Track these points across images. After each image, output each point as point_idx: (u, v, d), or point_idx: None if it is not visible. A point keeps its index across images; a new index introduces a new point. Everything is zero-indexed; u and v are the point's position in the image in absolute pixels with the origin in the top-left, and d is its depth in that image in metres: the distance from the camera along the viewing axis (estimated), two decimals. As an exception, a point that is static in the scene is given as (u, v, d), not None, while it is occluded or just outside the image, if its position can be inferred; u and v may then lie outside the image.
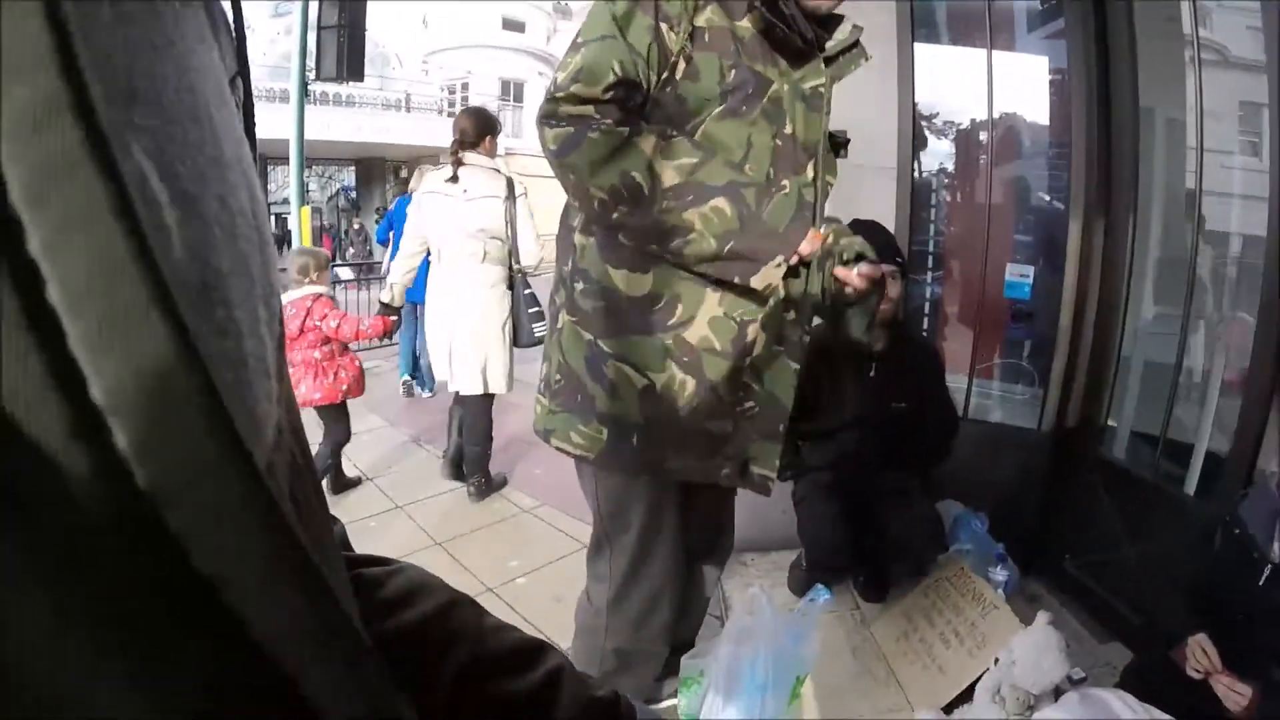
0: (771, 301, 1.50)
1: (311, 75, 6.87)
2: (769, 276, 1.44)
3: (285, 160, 8.38)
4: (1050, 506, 2.86)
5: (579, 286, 1.53)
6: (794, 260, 1.46)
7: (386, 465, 4.11)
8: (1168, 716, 1.63)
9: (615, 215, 1.40)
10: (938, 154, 3.17)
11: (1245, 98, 2.46)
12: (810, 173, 1.52)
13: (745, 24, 1.43)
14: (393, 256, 5.92)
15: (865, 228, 2.41)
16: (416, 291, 6.13)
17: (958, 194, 3.20)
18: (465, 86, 23.42)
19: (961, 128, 3.13)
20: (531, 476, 3.86)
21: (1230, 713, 1.58)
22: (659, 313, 1.48)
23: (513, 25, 23.49)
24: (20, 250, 0.14)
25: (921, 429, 2.65)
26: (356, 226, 18.49)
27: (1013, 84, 2.98)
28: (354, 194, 23.20)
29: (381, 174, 21.68)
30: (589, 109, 1.35)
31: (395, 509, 3.47)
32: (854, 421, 2.58)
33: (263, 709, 0.18)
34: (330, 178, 24.27)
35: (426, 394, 5.90)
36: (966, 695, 2.07)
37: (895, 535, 2.51)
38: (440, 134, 19.79)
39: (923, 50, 2.93)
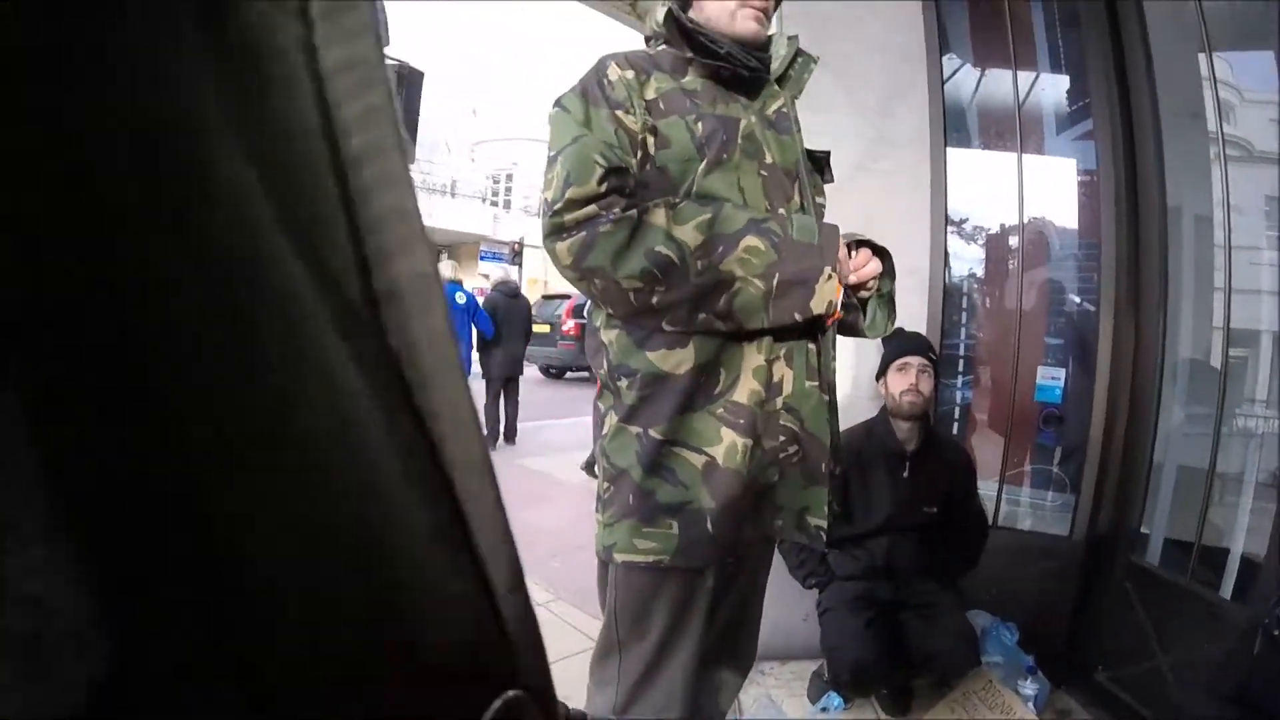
0: (825, 325, 1.46)
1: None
2: (825, 294, 1.37)
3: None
4: (1082, 616, 2.77)
5: (623, 384, 1.45)
6: (852, 279, 1.45)
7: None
8: None
9: (655, 299, 1.34)
10: (968, 259, 3.16)
11: (1270, 192, 2.47)
12: (798, 197, 1.49)
13: (690, 78, 1.44)
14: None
15: (898, 332, 2.41)
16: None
17: (988, 298, 3.19)
18: (509, 177, 24.19)
19: (992, 232, 3.13)
20: (549, 569, 3.80)
21: None
22: (706, 383, 1.41)
23: (559, 119, 24.33)
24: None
25: (951, 535, 2.58)
26: None
27: (1042, 186, 2.99)
28: None
29: None
30: (591, 208, 1.32)
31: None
32: (884, 526, 2.51)
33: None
34: (373, 260, 25.04)
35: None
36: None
37: (926, 649, 2.42)
38: (482, 223, 20.38)
39: (954, 155, 2.95)
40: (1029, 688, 2.36)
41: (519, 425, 7.33)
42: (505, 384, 7.10)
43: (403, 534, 0.23)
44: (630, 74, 1.40)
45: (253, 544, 0.20)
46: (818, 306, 1.37)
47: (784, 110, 1.50)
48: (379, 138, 0.22)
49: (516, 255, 19.54)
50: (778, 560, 2.49)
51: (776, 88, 1.51)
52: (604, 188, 1.32)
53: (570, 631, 3.08)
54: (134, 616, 0.18)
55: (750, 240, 1.35)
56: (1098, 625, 2.71)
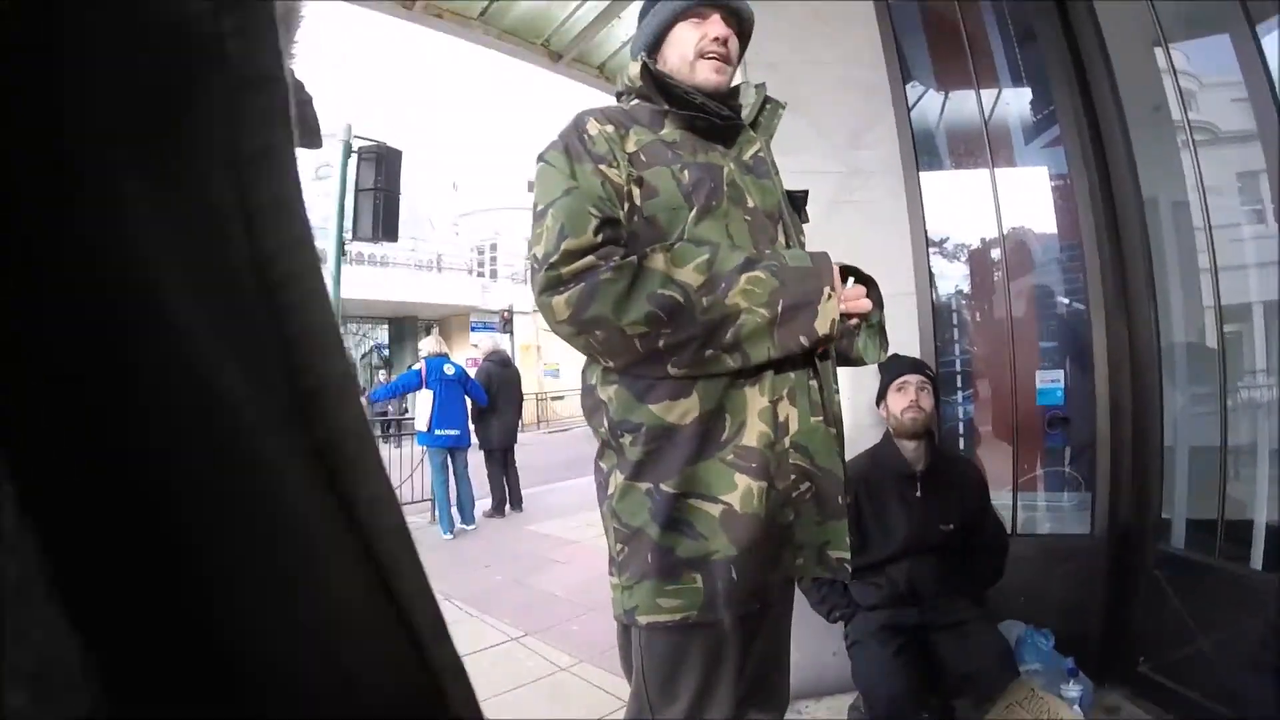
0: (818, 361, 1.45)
1: (349, 236, 7.26)
2: (828, 313, 1.37)
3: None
4: (1116, 610, 2.76)
5: (626, 439, 1.41)
6: (851, 307, 1.44)
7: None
8: None
9: (661, 342, 1.32)
10: (953, 276, 3.20)
11: (1240, 169, 2.55)
12: (781, 238, 1.50)
13: (668, 130, 1.46)
14: (434, 413, 6.16)
15: (893, 357, 2.43)
16: (444, 439, 6.28)
17: (977, 312, 3.22)
18: (494, 247, 24.44)
19: (973, 248, 3.18)
20: (568, 633, 3.75)
21: None
22: (713, 430, 1.38)
23: (538, 188, 24.69)
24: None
25: (971, 551, 2.56)
26: (382, 378, 18.67)
27: (1018, 197, 3.05)
28: (386, 351, 23.73)
29: (413, 332, 22.15)
30: (589, 259, 1.31)
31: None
32: (903, 550, 2.49)
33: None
34: (365, 335, 25.06)
35: (470, 526, 6.15)
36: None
37: (962, 670, 2.37)
38: (470, 294, 20.53)
39: (928, 178, 3.01)
40: (1072, 690, 2.33)
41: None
42: (504, 454, 7.09)
43: (337, 599, 0.26)
44: (610, 128, 1.41)
45: (217, 613, 0.22)
46: (822, 327, 1.37)
47: (760, 155, 1.52)
48: (300, 265, 0.25)
49: (507, 323, 19.62)
50: (801, 598, 2.47)
51: (751, 133, 1.53)
52: (600, 238, 1.32)
53: (597, 693, 3.04)
54: (114, 676, 0.21)
55: (750, 273, 1.35)
56: (1132, 617, 2.70)
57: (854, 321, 1.50)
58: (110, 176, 0.21)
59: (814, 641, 2.68)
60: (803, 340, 1.37)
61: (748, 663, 1.53)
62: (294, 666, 0.24)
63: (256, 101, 0.25)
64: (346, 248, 7.69)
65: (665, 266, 1.34)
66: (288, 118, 0.26)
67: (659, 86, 1.46)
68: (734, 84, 1.58)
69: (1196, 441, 2.70)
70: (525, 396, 8.07)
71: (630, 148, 1.41)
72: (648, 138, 1.43)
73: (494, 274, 24.07)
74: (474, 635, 3.75)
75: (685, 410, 1.37)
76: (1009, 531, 2.77)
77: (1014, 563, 2.60)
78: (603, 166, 1.37)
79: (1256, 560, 2.38)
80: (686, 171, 1.41)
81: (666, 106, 1.46)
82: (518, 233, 23.88)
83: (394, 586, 0.27)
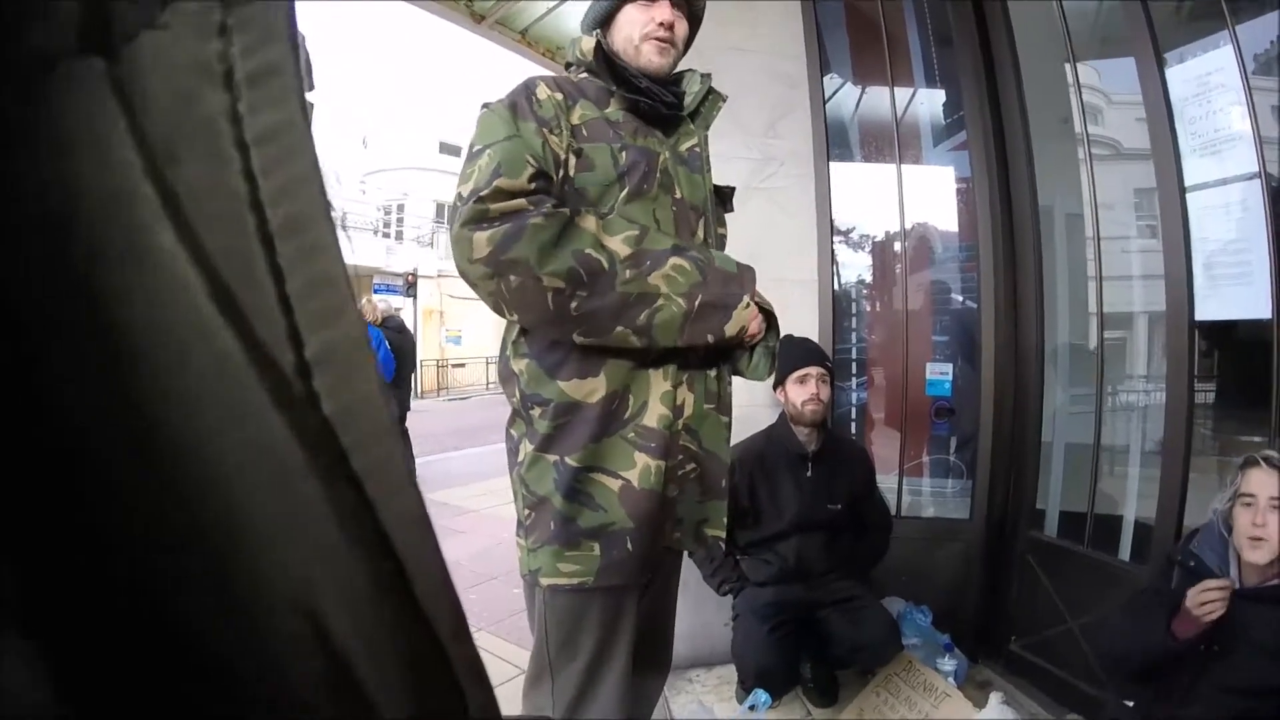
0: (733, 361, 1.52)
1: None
2: (740, 320, 1.44)
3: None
4: (991, 592, 2.93)
5: (535, 412, 1.45)
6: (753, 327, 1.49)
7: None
8: None
9: (575, 304, 1.32)
10: (856, 266, 3.30)
11: (1138, 185, 2.68)
12: (701, 231, 1.54)
13: (612, 109, 1.47)
14: None
15: (791, 340, 2.51)
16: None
17: (876, 302, 3.32)
18: (401, 208, 23.76)
19: (877, 240, 3.28)
20: (467, 601, 3.74)
21: None
22: (618, 410, 1.44)
23: (450, 149, 24.03)
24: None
25: (857, 530, 2.68)
26: None
27: (922, 194, 3.16)
28: None
29: None
30: (520, 201, 1.29)
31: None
32: (793, 527, 2.59)
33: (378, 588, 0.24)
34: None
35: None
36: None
37: (851, 642, 2.51)
38: (374, 254, 19.93)
39: (838, 169, 3.08)
40: (948, 664, 2.47)
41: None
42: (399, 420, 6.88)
43: (347, 595, 0.23)
44: (559, 96, 1.41)
45: (199, 618, 0.21)
46: (731, 330, 1.43)
47: (696, 149, 1.55)
48: (306, 206, 0.22)
49: (411, 287, 19.13)
50: (695, 571, 2.55)
51: (691, 126, 1.55)
52: (533, 186, 1.31)
53: (496, 661, 3.05)
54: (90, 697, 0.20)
55: (677, 260, 1.38)
56: (1006, 599, 2.88)
57: (750, 341, 1.55)
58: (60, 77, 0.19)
59: (707, 613, 2.76)
60: (709, 338, 1.42)
61: (637, 627, 1.60)
62: (302, 668, 0.22)
63: (250, 9, 0.21)
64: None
65: (596, 230, 1.34)
66: (293, 31, 0.22)
67: (609, 66, 1.47)
68: (679, 70, 1.59)
69: (1073, 439, 2.88)
70: (425, 362, 7.82)
71: (575, 120, 1.42)
72: (592, 113, 1.44)
73: (400, 235, 23.38)
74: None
75: (593, 389, 1.42)
76: (893, 513, 2.90)
77: (897, 543, 2.75)
78: (545, 131, 1.37)
79: (1124, 552, 2.58)
80: (625, 152, 1.43)
81: (614, 87, 1.47)
82: (427, 194, 23.27)
83: (413, 582, 0.24)
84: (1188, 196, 2.25)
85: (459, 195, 1.33)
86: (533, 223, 1.27)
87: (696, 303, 1.39)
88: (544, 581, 1.45)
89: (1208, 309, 2.24)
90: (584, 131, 1.42)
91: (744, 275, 1.47)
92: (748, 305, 1.44)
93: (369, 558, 0.23)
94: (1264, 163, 2.12)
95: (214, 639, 0.21)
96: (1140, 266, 2.74)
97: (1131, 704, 1.84)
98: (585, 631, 1.51)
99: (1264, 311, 2.09)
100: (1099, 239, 2.59)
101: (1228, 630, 1.65)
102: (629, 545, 1.44)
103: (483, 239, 1.27)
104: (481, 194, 1.28)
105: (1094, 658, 2.33)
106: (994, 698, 2.00)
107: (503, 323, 1.51)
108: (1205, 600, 1.62)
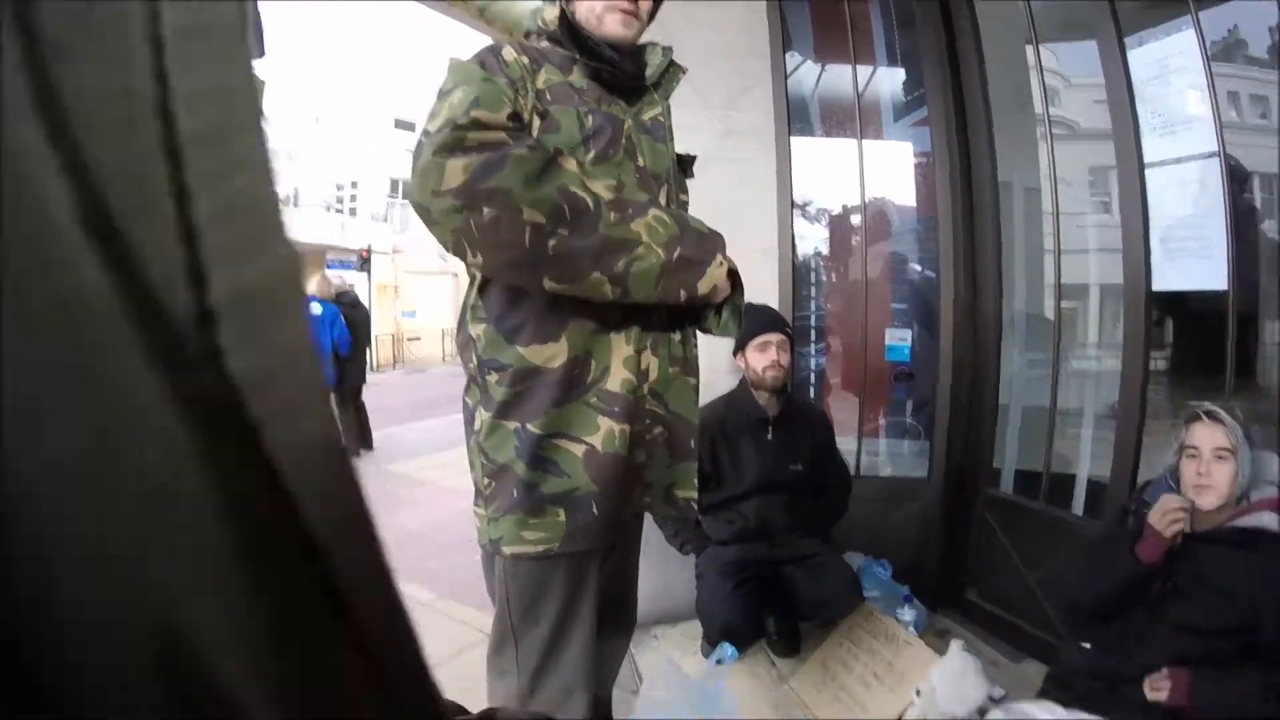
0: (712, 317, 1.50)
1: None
2: (713, 278, 1.41)
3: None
4: (949, 547, 3.05)
5: (492, 378, 1.41)
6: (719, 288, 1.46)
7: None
8: (1093, 717, 1.72)
9: (554, 242, 1.23)
10: (815, 237, 3.37)
11: (1095, 163, 2.81)
12: (664, 199, 1.51)
13: (576, 76, 1.43)
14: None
15: (752, 307, 2.56)
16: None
17: (834, 273, 3.40)
18: (355, 184, 23.34)
19: (835, 213, 3.34)
20: (428, 571, 3.76)
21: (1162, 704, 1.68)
22: (580, 375, 1.40)
23: (404, 125, 23.65)
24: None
25: (818, 490, 2.76)
26: None
27: (882, 169, 3.23)
28: None
29: None
30: (500, 134, 1.21)
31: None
32: (754, 488, 2.66)
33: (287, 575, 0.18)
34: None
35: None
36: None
37: (815, 597, 2.58)
38: (328, 231, 19.57)
39: (798, 143, 3.13)
40: (907, 614, 2.56)
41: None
42: (354, 395, 6.78)
43: (249, 639, 0.17)
44: (525, 59, 1.38)
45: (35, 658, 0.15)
46: (704, 287, 1.40)
47: (660, 119, 1.52)
48: (230, 114, 0.18)
49: (365, 262, 18.81)
50: (658, 531, 2.60)
51: (655, 95, 1.53)
52: (512, 125, 1.25)
53: (460, 626, 3.07)
54: None
55: (657, 212, 1.36)
56: (964, 553, 3.01)
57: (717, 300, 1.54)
58: None
59: (670, 571, 2.82)
60: (682, 294, 1.39)
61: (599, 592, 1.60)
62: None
63: None
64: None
65: (579, 172, 1.30)
66: None
67: (573, 34, 1.45)
68: (642, 42, 1.57)
69: (1029, 402, 3.01)
70: (381, 337, 7.67)
71: (540, 84, 1.38)
72: (557, 78, 1.41)
73: (354, 211, 22.98)
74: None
75: (553, 354, 1.39)
76: (853, 473, 2.98)
77: (856, 502, 2.84)
78: (514, 90, 1.33)
79: (1079, 508, 2.73)
80: (591, 116, 1.40)
81: (577, 55, 1.45)
82: (381, 170, 22.90)
83: (358, 605, 0.19)
84: (1146, 173, 2.35)
85: (425, 131, 1.24)
86: (516, 153, 1.20)
87: (675, 255, 1.35)
88: (507, 550, 1.43)
89: (1164, 280, 2.36)
90: (548, 96, 1.39)
91: (715, 236, 1.45)
92: (721, 264, 1.42)
93: (287, 576, 0.18)
94: (1223, 144, 2.22)
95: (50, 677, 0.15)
96: (1096, 241, 2.87)
97: (1089, 645, 1.94)
98: (548, 597, 1.50)
99: (1220, 283, 2.20)
100: (1058, 213, 2.69)
101: (1183, 571, 1.76)
102: (594, 510, 1.42)
103: (457, 166, 1.18)
104: (459, 122, 1.20)
105: (1054, 605, 2.45)
106: (954, 645, 2.09)
107: (460, 296, 1.47)
108: (1168, 511, 1.73)
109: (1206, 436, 1.77)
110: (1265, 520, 1.73)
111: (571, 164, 1.31)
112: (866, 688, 2.30)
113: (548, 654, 1.53)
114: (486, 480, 1.44)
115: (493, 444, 1.42)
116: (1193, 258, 2.31)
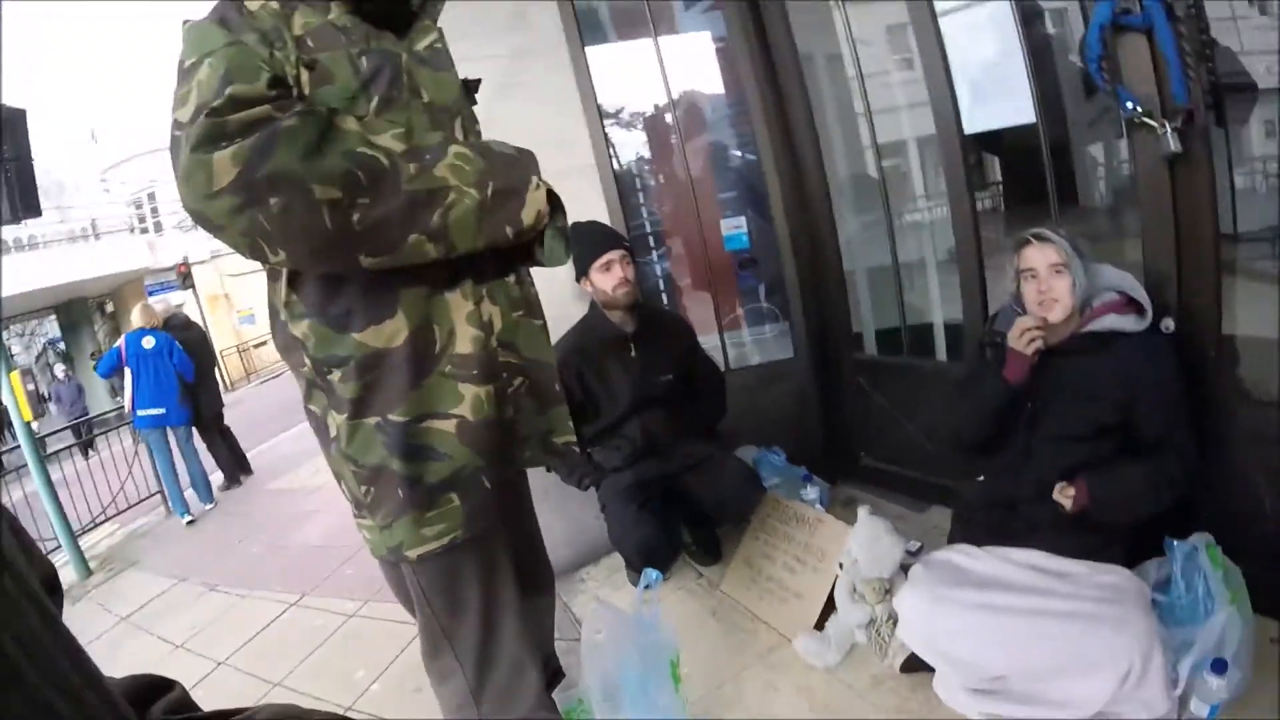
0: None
1: (-17, 224, 5.80)
2: (535, 204, 1.30)
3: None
4: (830, 418, 3.16)
5: (335, 375, 1.30)
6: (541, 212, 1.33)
7: (191, 625, 3.60)
8: (1007, 548, 1.83)
9: (357, 215, 1.11)
10: (632, 144, 3.30)
11: (891, 22, 2.84)
12: (459, 133, 1.39)
13: (336, 13, 1.26)
14: (134, 392, 5.38)
15: (585, 228, 2.49)
16: (149, 419, 5.57)
17: (659, 175, 3.36)
18: (152, 196, 21.62)
19: (648, 115, 3.28)
20: (344, 579, 3.63)
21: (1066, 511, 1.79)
22: (426, 346, 1.30)
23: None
24: None
25: (693, 394, 2.77)
26: (63, 376, 14.43)
27: (684, 62, 3.18)
28: (62, 345, 20.07)
29: (86, 315, 18.93)
30: (264, 109, 1.07)
31: (219, 665, 3.06)
32: (631, 408, 2.65)
33: None
34: (33, 334, 21.47)
35: (210, 505, 5.71)
36: (830, 607, 2.18)
37: (715, 498, 2.62)
38: (138, 255, 18.12)
39: (594, 52, 3.03)
40: (810, 493, 2.61)
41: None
42: (215, 420, 6.39)
43: None
44: (274, 4, 1.21)
45: None
46: (528, 217, 1.29)
47: (437, 46, 1.37)
48: None
49: (186, 278, 17.35)
50: (553, 477, 2.56)
51: (428, 22, 1.37)
52: (273, 92, 1.11)
53: (394, 627, 2.89)
54: None
55: (458, 149, 1.23)
56: (846, 420, 3.12)
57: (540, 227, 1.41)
58: None
59: (578, 512, 2.82)
60: (508, 231, 1.28)
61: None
62: None
63: None
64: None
65: (359, 128, 1.17)
66: None
67: None
68: None
69: (872, 263, 3.09)
70: (225, 351, 7.25)
71: (297, 30, 1.21)
72: (316, 20, 1.23)
73: (159, 226, 21.34)
74: (252, 615, 3.46)
75: (394, 332, 1.28)
76: (723, 369, 3.01)
77: (734, 394, 2.88)
78: (268, 45, 1.16)
79: (941, 353, 2.86)
80: (365, 58, 1.25)
81: None
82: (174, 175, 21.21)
83: None
84: (940, 22, 2.38)
85: (176, 122, 1.09)
86: (286, 126, 1.06)
87: (489, 191, 1.23)
88: (411, 554, 1.34)
89: (976, 123, 2.42)
90: (310, 41, 1.21)
91: (525, 157, 1.34)
92: (539, 186, 1.31)
93: None
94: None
95: None
96: (904, 97, 2.91)
97: (982, 478, 2.05)
98: (467, 586, 1.44)
99: (1029, 117, 2.25)
100: (862, 76, 2.73)
101: (1047, 385, 1.87)
102: (485, 483, 1.36)
103: (226, 159, 1.04)
104: (213, 105, 1.05)
105: (939, 442, 2.59)
106: (862, 511, 2.15)
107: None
108: (1025, 331, 1.81)
109: (1039, 256, 1.85)
110: (1111, 322, 1.83)
111: (351, 122, 1.17)
112: (792, 573, 2.37)
113: (485, 642, 1.49)
114: (364, 488, 1.35)
115: (357, 448, 1.33)
116: (1000, 97, 2.38)
